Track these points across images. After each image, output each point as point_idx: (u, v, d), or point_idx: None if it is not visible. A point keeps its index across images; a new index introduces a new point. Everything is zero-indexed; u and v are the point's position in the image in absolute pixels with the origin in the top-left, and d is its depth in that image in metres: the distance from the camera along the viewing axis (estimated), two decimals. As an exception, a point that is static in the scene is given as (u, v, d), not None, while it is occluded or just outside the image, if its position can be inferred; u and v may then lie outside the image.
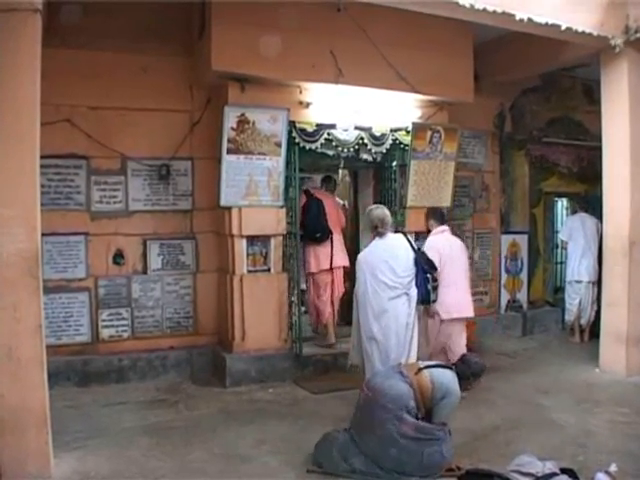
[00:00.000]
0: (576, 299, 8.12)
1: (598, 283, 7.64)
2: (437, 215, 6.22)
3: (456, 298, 5.80)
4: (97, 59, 5.95)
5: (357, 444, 4.07)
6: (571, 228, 8.30)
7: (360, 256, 5.14)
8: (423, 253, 5.07)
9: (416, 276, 4.91)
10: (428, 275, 4.90)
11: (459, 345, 5.87)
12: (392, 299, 4.84)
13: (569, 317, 8.28)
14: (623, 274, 6.32)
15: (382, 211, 5.06)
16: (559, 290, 9.21)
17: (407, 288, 4.89)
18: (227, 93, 6.03)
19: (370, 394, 4.15)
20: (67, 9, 5.48)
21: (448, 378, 4.17)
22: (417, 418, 4.04)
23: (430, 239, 6.02)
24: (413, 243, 5.09)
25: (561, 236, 8.56)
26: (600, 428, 4.87)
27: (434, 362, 4.42)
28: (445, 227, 6.11)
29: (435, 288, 4.96)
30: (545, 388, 6.00)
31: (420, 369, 4.21)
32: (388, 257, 4.88)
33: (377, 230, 5.00)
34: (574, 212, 8.67)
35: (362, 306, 4.96)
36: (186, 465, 4.22)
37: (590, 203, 8.20)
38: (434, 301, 5.07)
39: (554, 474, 3.37)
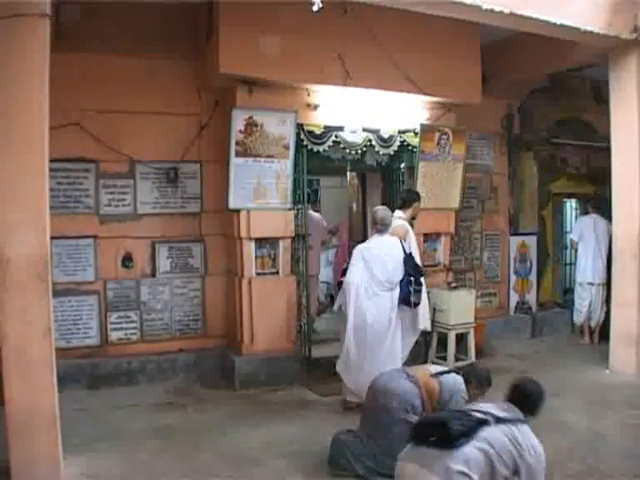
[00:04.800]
0: (586, 300, 8.07)
1: (607, 284, 7.61)
2: None
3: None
4: (105, 63, 5.97)
5: (366, 446, 4.07)
6: (582, 229, 8.23)
7: (359, 247, 5.56)
8: (412, 258, 5.50)
9: (402, 278, 5.35)
10: (412, 278, 5.38)
11: None
12: (382, 291, 5.33)
13: (578, 318, 8.23)
14: (633, 275, 6.31)
15: (385, 213, 5.61)
16: (568, 291, 9.16)
17: (395, 286, 5.33)
18: (235, 96, 6.03)
19: (375, 397, 4.18)
20: (75, 13, 5.52)
21: (455, 379, 4.21)
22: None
23: None
24: (405, 247, 5.51)
25: (572, 236, 8.49)
26: (610, 430, 4.86)
27: (442, 369, 4.43)
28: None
29: (418, 291, 5.40)
30: (555, 390, 5.93)
31: (431, 375, 4.26)
32: (383, 254, 5.40)
33: (377, 226, 5.56)
34: (585, 212, 8.62)
35: (351, 296, 5.28)
36: (195, 468, 4.22)
37: (602, 204, 8.13)
38: (416, 303, 5.43)
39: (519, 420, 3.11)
